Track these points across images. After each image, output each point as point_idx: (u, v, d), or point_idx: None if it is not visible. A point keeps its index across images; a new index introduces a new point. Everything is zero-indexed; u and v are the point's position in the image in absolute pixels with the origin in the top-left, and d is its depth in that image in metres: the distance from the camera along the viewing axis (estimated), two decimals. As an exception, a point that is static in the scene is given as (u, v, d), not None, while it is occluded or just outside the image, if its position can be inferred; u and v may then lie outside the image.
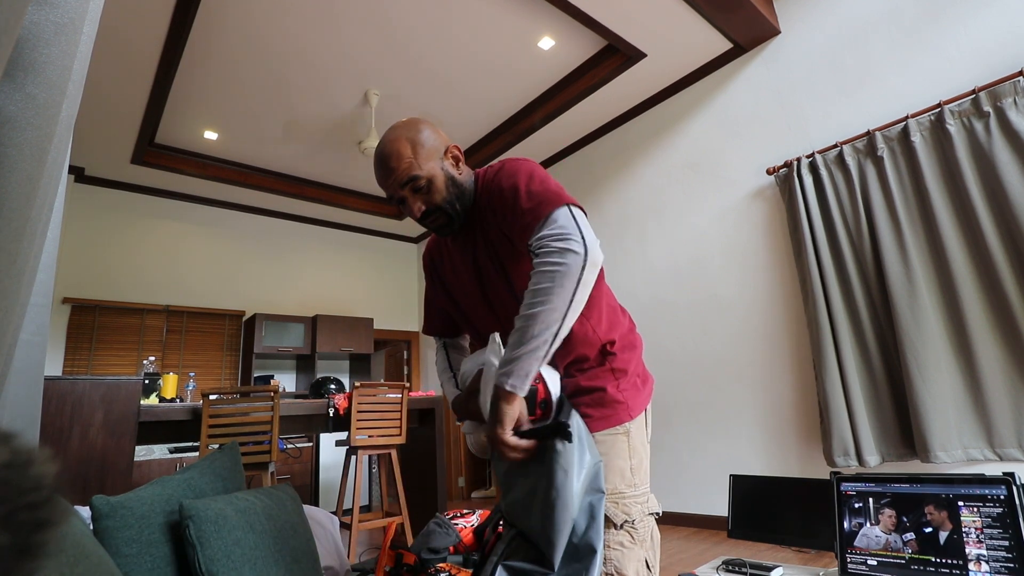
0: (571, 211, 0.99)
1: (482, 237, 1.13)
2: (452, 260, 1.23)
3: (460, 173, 1.13)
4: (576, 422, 0.97)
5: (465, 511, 2.20)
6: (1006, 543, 1.38)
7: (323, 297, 6.08)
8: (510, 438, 0.94)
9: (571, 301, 0.94)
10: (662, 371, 3.85)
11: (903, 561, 1.52)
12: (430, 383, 6.46)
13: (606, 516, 1.00)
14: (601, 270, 1.04)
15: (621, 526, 1.00)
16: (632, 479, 1.05)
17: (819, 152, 3.13)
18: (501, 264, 1.10)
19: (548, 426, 0.96)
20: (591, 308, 1.09)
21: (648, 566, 1.02)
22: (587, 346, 1.08)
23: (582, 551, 0.90)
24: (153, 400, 3.14)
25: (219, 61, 3.59)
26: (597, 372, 1.08)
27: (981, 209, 2.51)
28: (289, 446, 4.96)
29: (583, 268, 0.93)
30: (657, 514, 1.09)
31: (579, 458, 0.93)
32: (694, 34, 3.51)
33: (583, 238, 0.95)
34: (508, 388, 0.93)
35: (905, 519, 1.55)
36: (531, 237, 0.98)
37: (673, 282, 3.95)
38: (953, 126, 2.63)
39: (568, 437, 0.92)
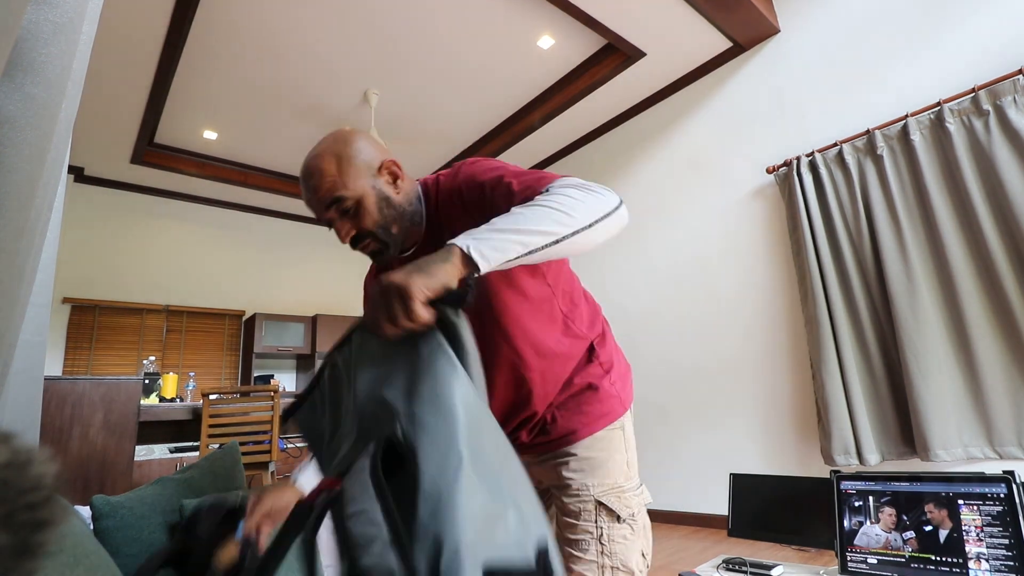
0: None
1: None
2: None
3: (398, 192, 0.99)
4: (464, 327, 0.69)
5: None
6: (1006, 541, 1.38)
7: (323, 297, 6.08)
8: (420, 302, 0.65)
9: (590, 226, 0.79)
10: (662, 370, 3.85)
11: (903, 559, 1.52)
12: (430, 383, 6.46)
13: (612, 511, 0.97)
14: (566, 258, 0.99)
15: (623, 520, 0.99)
16: (629, 472, 1.04)
17: (819, 151, 3.13)
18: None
19: (454, 292, 0.69)
20: (574, 308, 1.06)
21: (643, 555, 1.01)
22: (580, 350, 1.06)
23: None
24: (153, 400, 3.14)
25: (219, 61, 3.58)
26: (588, 369, 1.05)
27: (981, 208, 2.51)
28: (289, 446, 4.95)
29: (617, 206, 0.83)
30: (649, 502, 1.07)
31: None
32: (694, 33, 3.51)
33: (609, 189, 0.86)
34: (468, 251, 0.71)
35: (905, 517, 1.55)
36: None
37: (673, 281, 3.94)
38: (953, 125, 2.63)
39: (463, 302, 0.68)
